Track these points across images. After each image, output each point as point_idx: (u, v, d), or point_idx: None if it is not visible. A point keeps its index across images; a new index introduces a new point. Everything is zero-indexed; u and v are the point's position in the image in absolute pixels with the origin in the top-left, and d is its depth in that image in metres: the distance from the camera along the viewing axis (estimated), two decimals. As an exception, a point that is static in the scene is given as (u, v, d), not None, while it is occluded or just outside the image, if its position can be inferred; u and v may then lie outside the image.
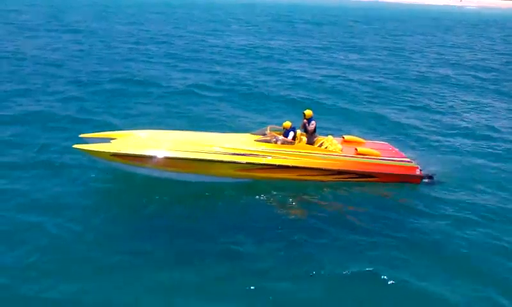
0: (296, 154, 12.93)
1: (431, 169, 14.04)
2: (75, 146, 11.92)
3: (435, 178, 13.69)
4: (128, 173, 12.33)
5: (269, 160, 12.62)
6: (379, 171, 13.23)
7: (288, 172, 12.84)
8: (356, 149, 13.63)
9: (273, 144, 13.04)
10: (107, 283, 8.71)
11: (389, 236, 10.83)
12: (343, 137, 14.89)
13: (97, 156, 11.90)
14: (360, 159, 13.28)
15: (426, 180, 13.52)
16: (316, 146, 13.99)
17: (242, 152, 12.58)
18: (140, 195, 11.87)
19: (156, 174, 12.25)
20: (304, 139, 13.83)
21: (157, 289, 8.62)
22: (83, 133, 13.39)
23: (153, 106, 20.82)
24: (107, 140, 12.66)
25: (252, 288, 8.73)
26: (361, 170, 13.18)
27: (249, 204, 11.99)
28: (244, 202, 12.07)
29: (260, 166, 12.55)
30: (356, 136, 15.24)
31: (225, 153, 12.44)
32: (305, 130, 14.02)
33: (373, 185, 13.24)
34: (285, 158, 12.77)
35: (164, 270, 9.16)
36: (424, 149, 16.57)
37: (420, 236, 10.95)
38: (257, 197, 12.23)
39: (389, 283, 9.09)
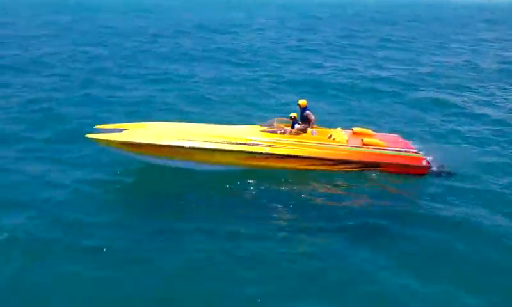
0: (300, 144, 13.15)
1: (441, 161, 13.86)
2: (88, 135, 12.69)
3: (445, 170, 13.52)
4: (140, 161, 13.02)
5: (271, 150, 12.91)
6: (384, 161, 13.23)
7: (293, 162, 13.08)
8: (362, 140, 13.68)
9: (278, 134, 13.30)
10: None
11: (392, 227, 10.83)
12: (352, 130, 14.95)
13: (107, 145, 12.62)
14: (364, 149, 13.33)
15: (434, 171, 13.37)
16: (326, 137, 14.18)
17: (246, 142, 12.93)
18: (148, 182, 12.50)
19: (164, 162, 12.82)
20: (310, 130, 14.00)
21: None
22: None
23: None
24: (119, 130, 13.35)
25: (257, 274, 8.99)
26: (366, 160, 13.22)
27: (255, 193, 12.25)
28: (249, 190, 12.35)
29: (263, 156, 12.85)
30: (366, 128, 15.22)
31: (229, 143, 12.82)
32: (302, 120, 14.16)
33: (379, 176, 13.24)
34: (288, 148, 13.01)
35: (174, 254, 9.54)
36: (438, 141, 16.38)
37: (423, 229, 10.80)
38: (261, 186, 12.49)
39: (389, 277, 9.04)
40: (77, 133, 14.97)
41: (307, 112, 13.96)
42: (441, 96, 23.85)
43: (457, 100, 23.16)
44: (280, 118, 14.26)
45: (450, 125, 18.91)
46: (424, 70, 30.94)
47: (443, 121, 19.45)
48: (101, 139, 12.61)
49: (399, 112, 20.73)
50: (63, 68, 28.08)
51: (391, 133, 15.60)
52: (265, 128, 13.72)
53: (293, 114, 14.02)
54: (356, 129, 14.93)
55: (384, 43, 45.02)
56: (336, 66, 31.45)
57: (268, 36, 48.35)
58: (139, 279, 8.71)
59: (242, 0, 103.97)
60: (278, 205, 11.65)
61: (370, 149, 13.36)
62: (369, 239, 10.31)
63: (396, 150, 13.46)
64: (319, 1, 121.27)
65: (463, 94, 24.53)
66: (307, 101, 14.38)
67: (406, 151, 13.49)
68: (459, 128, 18.56)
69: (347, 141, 13.64)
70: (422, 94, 24.13)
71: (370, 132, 14.90)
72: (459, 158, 14.42)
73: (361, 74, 29.14)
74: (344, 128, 15.14)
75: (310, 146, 13.13)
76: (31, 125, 17.22)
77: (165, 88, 24.09)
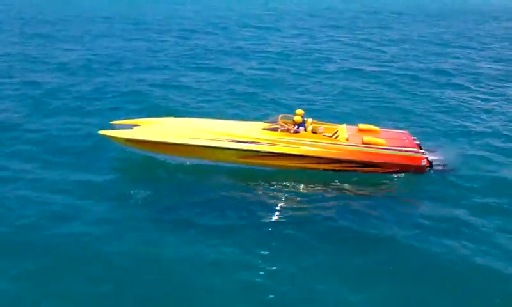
0: (297, 143, 13.38)
1: (445, 160, 13.71)
2: (100, 132, 13.74)
3: (446, 168, 13.36)
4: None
5: (267, 148, 13.23)
6: (382, 160, 13.20)
7: (290, 160, 13.34)
8: (362, 138, 13.68)
9: (278, 132, 13.61)
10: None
11: (386, 226, 11.08)
12: (358, 126, 14.93)
13: (115, 141, 13.61)
14: (362, 148, 13.33)
15: (434, 170, 13.27)
16: (331, 134, 14.34)
17: (244, 139, 13.34)
18: (148, 176, 13.28)
19: (168, 159, 13.61)
20: (310, 127, 14.19)
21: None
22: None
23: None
24: (132, 127, 14.27)
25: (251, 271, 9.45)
26: (363, 159, 13.25)
27: (250, 191, 12.57)
28: (245, 188, 12.69)
29: (260, 154, 13.20)
30: (372, 125, 15.11)
31: (228, 140, 13.29)
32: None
33: (376, 175, 13.27)
34: (285, 146, 13.30)
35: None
36: (448, 139, 16.17)
37: (415, 229, 10.97)
38: (258, 184, 12.86)
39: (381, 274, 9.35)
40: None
41: (300, 128, 13.96)
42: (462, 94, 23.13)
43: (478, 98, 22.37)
44: (284, 115, 14.51)
45: (471, 124, 18.42)
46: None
47: (463, 119, 18.89)
48: (111, 136, 13.61)
49: (423, 108, 20.32)
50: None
51: (400, 130, 15.42)
52: (267, 125, 14.06)
53: (298, 112, 14.17)
54: (362, 126, 14.87)
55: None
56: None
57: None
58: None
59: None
60: (270, 203, 12.02)
61: (369, 149, 13.33)
62: (354, 240, 10.58)
63: (395, 149, 13.34)
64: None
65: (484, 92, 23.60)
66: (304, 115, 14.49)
67: (406, 150, 13.35)
68: (475, 127, 18.07)
69: (347, 139, 13.68)
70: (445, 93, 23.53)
71: (376, 128, 14.79)
72: (464, 156, 14.25)
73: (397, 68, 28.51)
74: (350, 124, 15.17)
75: (306, 145, 13.34)
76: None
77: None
